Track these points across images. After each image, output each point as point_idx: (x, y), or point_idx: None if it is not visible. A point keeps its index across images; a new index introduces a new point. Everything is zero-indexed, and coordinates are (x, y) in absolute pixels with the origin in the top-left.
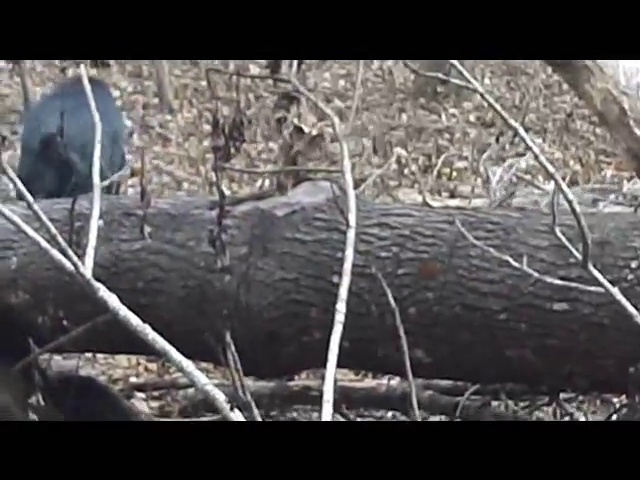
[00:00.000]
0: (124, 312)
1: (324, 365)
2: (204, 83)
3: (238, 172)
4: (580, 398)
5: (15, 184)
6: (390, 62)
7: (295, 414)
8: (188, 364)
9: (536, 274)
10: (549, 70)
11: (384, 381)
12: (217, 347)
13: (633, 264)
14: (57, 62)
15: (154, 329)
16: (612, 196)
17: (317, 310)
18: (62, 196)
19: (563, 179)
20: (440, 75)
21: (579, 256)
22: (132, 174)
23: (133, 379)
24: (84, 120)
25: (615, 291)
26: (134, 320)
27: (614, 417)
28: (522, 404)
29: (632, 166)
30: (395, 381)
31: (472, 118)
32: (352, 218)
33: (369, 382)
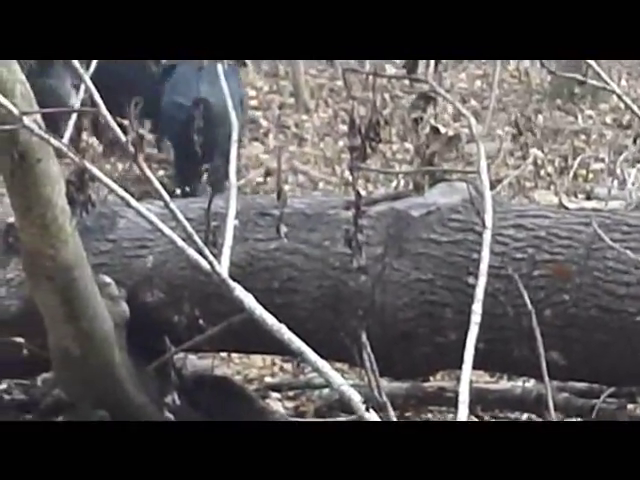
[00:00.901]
0: (260, 312)
1: (459, 366)
2: (340, 83)
3: (374, 172)
4: None
5: (152, 183)
6: (527, 63)
7: (430, 415)
8: (324, 364)
9: None
10: None
11: (519, 383)
12: (352, 347)
13: None
14: None
15: (289, 329)
16: None
17: (452, 311)
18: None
19: None
20: (577, 76)
21: None
22: (267, 174)
23: (268, 379)
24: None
25: None
26: (270, 320)
27: None
28: None
29: None
30: (530, 383)
31: (609, 120)
32: (488, 219)
33: (504, 384)
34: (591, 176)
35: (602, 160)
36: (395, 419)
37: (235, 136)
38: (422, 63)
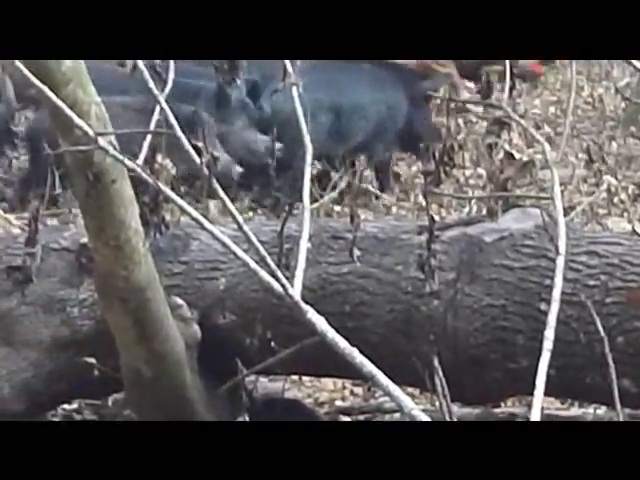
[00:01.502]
0: (332, 335)
1: (530, 392)
2: None
3: (447, 197)
4: None
5: (226, 205)
6: (601, 89)
7: None
8: (395, 388)
9: None
10: None
11: (590, 410)
12: (424, 372)
13: None
14: None
15: (361, 352)
16: None
17: (524, 337)
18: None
19: None
20: None
21: None
22: (341, 197)
23: (339, 402)
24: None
25: None
26: (342, 343)
27: None
28: None
29: None
30: (602, 410)
31: None
32: (561, 245)
33: (575, 411)
34: None
35: None
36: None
37: (309, 159)
38: (497, 88)
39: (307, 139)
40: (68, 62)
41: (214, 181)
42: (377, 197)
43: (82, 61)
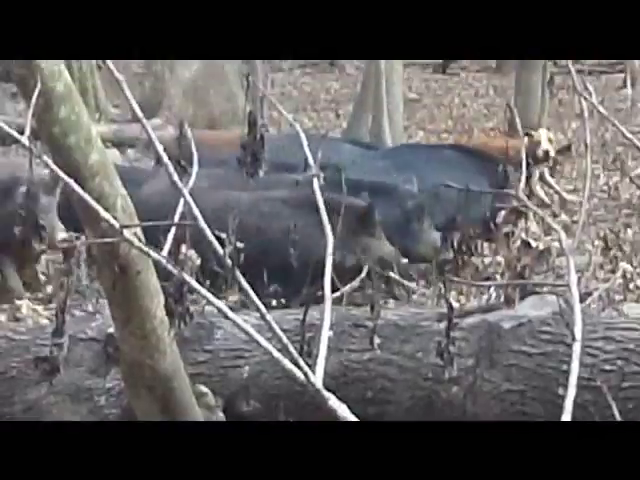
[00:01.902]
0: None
1: None
2: None
3: (466, 284)
4: None
5: (249, 295)
6: (616, 177)
7: None
8: None
9: None
10: None
11: None
12: None
13: None
14: None
15: None
16: None
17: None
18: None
19: None
20: None
21: None
22: (361, 287)
23: None
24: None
25: None
26: None
27: None
28: None
29: None
30: None
31: None
32: (578, 332)
33: None
34: None
35: None
36: None
37: (330, 249)
38: (514, 176)
39: (328, 228)
40: (94, 155)
41: (237, 272)
42: (400, 284)
43: (108, 154)
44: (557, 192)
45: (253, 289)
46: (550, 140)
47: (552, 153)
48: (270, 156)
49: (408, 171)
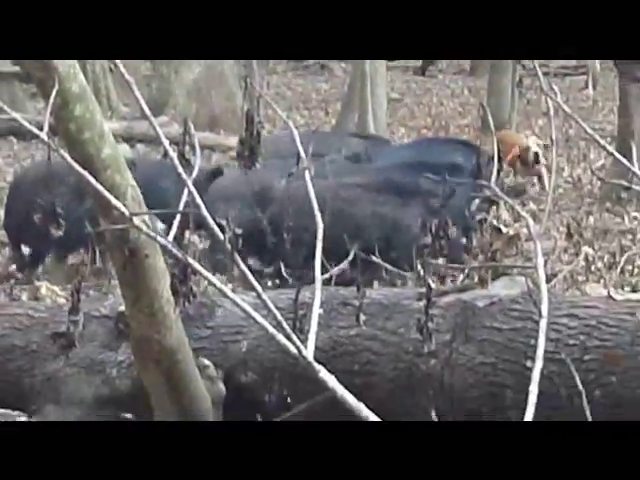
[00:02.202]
0: (342, 392)
1: None
2: None
3: (443, 267)
4: None
5: (247, 277)
6: (579, 170)
7: None
8: None
9: None
10: None
11: None
12: None
13: None
14: None
15: (367, 407)
16: None
17: (512, 391)
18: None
19: None
20: (624, 182)
21: None
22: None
23: None
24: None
25: None
26: (350, 399)
27: None
28: None
29: None
30: None
31: None
32: (544, 309)
33: None
34: (637, 271)
35: None
36: None
37: (320, 234)
38: (485, 168)
39: (319, 216)
40: (107, 150)
41: (237, 257)
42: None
43: (120, 148)
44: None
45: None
46: (539, 145)
47: (542, 157)
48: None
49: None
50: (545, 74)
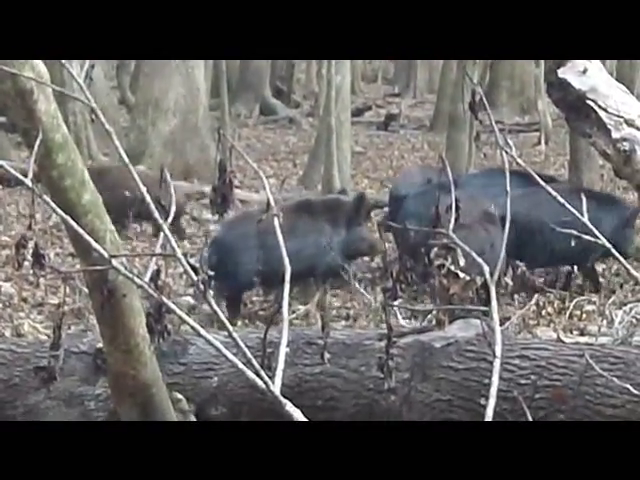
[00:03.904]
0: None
1: None
2: None
3: (403, 309)
4: None
5: (219, 317)
6: None
7: None
8: None
9: None
10: None
11: None
12: None
13: None
14: None
15: None
16: None
17: None
18: None
19: None
20: (574, 232)
21: None
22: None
23: None
24: None
25: None
26: None
27: None
28: None
29: None
30: None
31: (600, 269)
32: (498, 350)
33: None
34: (584, 316)
35: (594, 303)
36: None
37: (287, 276)
38: (445, 218)
39: (286, 260)
40: (87, 196)
41: (209, 297)
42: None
43: (99, 195)
44: None
45: None
46: None
47: None
48: None
49: None
50: (501, 130)
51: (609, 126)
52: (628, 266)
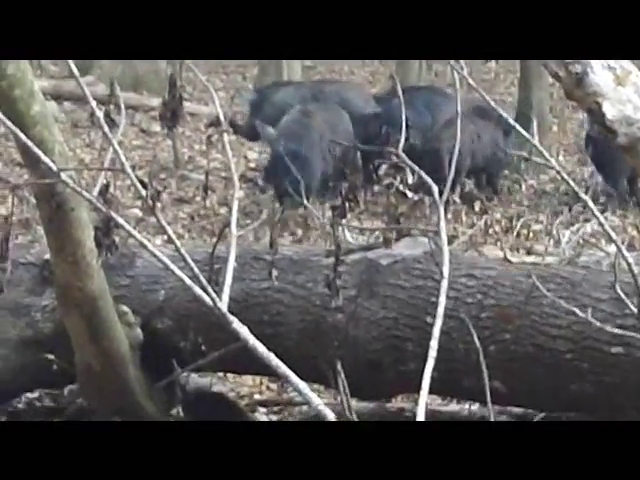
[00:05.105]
0: (253, 341)
1: (417, 391)
2: None
3: (350, 227)
4: None
5: (166, 230)
6: None
7: None
8: (304, 386)
9: (597, 322)
10: None
11: (466, 406)
12: (328, 372)
13: None
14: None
15: (276, 355)
16: None
17: (413, 344)
18: None
19: (622, 243)
20: (524, 154)
21: (634, 309)
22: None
23: (257, 396)
24: None
25: None
26: (261, 348)
27: None
28: None
29: None
30: (475, 407)
31: (548, 189)
32: (445, 270)
33: (453, 407)
34: (531, 235)
35: (541, 222)
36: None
37: (236, 194)
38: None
39: (236, 178)
40: (36, 107)
41: (157, 212)
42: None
43: (48, 105)
44: None
45: None
46: None
47: None
48: None
49: None
50: None
51: None
52: (576, 187)
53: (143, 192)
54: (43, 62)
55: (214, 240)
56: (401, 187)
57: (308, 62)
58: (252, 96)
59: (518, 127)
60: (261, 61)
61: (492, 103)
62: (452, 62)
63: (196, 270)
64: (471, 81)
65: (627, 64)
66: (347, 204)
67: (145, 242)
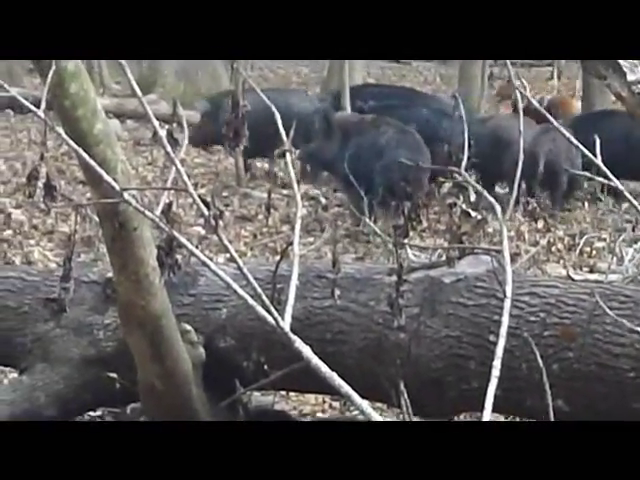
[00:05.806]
0: (315, 361)
1: (480, 409)
2: None
3: (413, 246)
4: None
5: (229, 250)
6: None
7: None
8: (366, 405)
9: None
10: None
11: None
12: (391, 391)
13: None
14: None
15: (338, 373)
16: None
17: (475, 363)
18: None
19: None
20: (587, 174)
21: None
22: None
23: (319, 414)
24: None
25: None
26: (324, 368)
27: None
28: None
29: None
30: None
31: (611, 206)
32: (508, 289)
33: None
34: (594, 253)
35: (604, 240)
36: None
37: (299, 213)
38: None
39: (298, 197)
40: (99, 125)
41: (220, 232)
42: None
43: (111, 124)
44: None
45: None
46: None
47: None
48: None
49: None
50: (513, 64)
51: (624, 68)
52: (634, 201)
53: (206, 212)
54: (106, 81)
55: (276, 258)
56: (464, 206)
57: (371, 80)
58: (205, 106)
59: (580, 146)
60: (324, 79)
61: (555, 123)
62: (515, 81)
63: (258, 289)
64: (534, 101)
65: None
66: (410, 224)
67: (207, 261)
